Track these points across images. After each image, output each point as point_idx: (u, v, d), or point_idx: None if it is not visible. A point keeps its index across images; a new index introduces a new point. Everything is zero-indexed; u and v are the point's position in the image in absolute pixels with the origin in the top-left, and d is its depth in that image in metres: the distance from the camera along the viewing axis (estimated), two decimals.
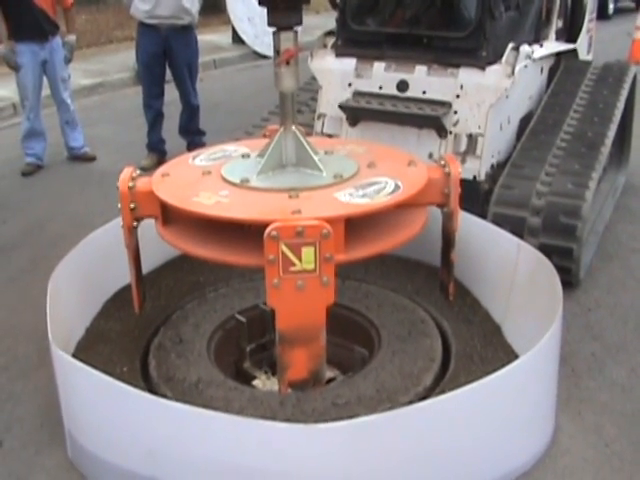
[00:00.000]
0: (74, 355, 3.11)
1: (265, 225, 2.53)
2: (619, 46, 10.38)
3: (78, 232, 3.80)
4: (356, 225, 2.75)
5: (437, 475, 2.60)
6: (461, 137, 4.32)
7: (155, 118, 6.58)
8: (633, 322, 3.81)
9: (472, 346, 3.29)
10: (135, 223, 2.97)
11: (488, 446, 2.67)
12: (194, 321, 3.41)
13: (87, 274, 3.47)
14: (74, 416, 2.84)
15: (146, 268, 3.71)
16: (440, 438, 2.53)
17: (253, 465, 2.46)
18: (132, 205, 2.89)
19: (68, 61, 6.60)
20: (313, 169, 2.92)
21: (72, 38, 6.59)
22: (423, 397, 2.85)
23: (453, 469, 2.62)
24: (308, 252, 2.56)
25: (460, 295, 3.62)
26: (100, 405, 2.65)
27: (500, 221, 3.82)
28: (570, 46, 5.49)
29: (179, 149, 6.67)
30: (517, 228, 3.80)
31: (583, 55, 5.81)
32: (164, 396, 2.84)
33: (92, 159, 6.77)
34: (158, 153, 6.63)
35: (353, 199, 2.69)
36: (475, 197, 4.18)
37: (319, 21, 12.12)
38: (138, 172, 2.97)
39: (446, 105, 4.29)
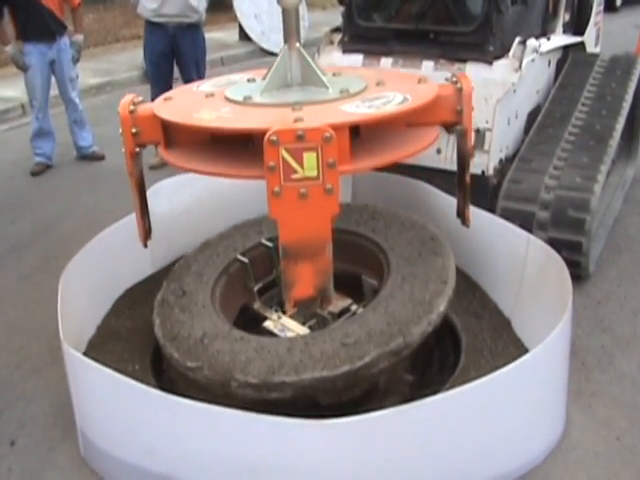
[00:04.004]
0: (85, 353, 3.13)
1: (265, 134, 2.45)
2: (627, 38, 10.29)
3: (88, 231, 3.83)
4: (364, 140, 2.69)
5: (449, 469, 2.61)
6: None
7: None
8: None
9: (482, 340, 3.29)
10: (137, 149, 2.89)
11: (500, 440, 2.68)
12: (196, 269, 3.31)
13: (98, 272, 3.49)
14: (86, 414, 2.85)
15: (155, 267, 3.75)
16: (451, 433, 2.53)
17: (264, 461, 2.47)
18: (134, 130, 2.82)
19: (76, 61, 6.61)
20: (319, 86, 2.83)
21: (80, 38, 6.61)
22: (437, 324, 2.79)
23: (465, 463, 2.63)
24: (310, 158, 2.47)
25: (469, 289, 3.63)
26: (112, 403, 2.66)
27: (509, 215, 3.81)
28: (577, 39, 5.45)
29: None
30: (526, 222, 3.80)
31: (591, 48, 5.78)
32: (170, 357, 2.79)
33: (101, 158, 6.78)
34: None
35: (359, 110, 2.61)
36: (483, 192, 4.17)
37: (325, 17, 12.16)
38: (140, 99, 2.90)
39: None
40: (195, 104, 2.85)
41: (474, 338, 3.29)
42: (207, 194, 4.03)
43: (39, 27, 6.16)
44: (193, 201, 4.05)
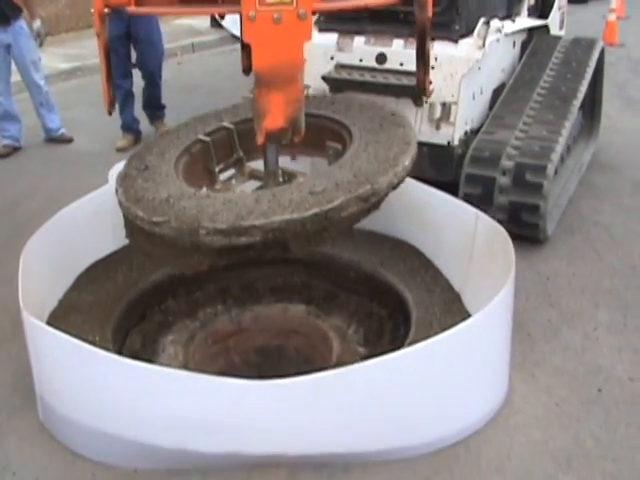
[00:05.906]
0: (47, 324, 3.19)
1: None
2: (595, 29, 10.45)
3: (53, 211, 3.85)
4: None
5: (390, 431, 2.72)
6: (436, 105, 4.53)
7: (125, 98, 6.54)
8: (590, 291, 3.94)
9: (432, 314, 3.38)
10: (106, 10, 2.92)
11: (441, 404, 2.79)
12: (158, 150, 3.32)
13: (60, 248, 3.54)
14: (45, 380, 2.93)
15: (117, 245, 3.79)
16: (394, 395, 2.64)
17: (216, 420, 2.58)
18: None
19: (40, 45, 6.59)
20: None
21: (37, 24, 6.51)
22: (403, 177, 2.89)
23: (406, 426, 2.75)
24: None
25: (422, 266, 3.74)
26: (70, 368, 2.74)
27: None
28: (541, 22, 5.66)
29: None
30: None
31: (555, 31, 5.98)
32: (135, 216, 2.81)
33: (69, 141, 6.79)
34: (133, 133, 6.66)
35: None
36: (449, 161, 4.46)
37: None
38: None
39: None
40: None
41: (425, 312, 3.39)
42: None
43: None
44: None
